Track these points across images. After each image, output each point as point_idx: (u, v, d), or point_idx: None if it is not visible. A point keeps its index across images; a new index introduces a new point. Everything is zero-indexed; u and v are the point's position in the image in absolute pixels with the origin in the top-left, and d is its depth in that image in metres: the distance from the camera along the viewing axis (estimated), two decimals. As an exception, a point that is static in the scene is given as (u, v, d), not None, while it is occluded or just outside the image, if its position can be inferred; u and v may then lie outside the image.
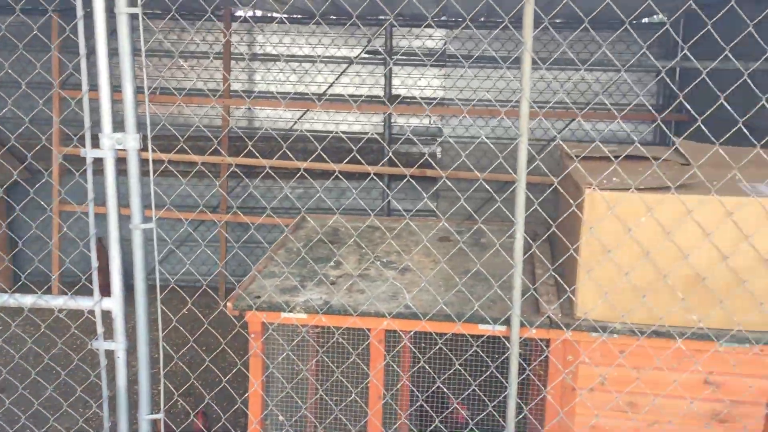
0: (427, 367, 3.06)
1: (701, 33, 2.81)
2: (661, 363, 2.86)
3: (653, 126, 7.71)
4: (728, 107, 2.82)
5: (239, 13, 7.68)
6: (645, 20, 8.19)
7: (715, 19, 2.83)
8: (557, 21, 7.36)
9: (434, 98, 7.83)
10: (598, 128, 7.76)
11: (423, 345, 3.32)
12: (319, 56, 7.78)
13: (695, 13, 6.27)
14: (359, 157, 6.65)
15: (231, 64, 7.79)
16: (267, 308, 3.08)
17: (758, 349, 2.79)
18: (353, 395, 3.03)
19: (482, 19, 7.59)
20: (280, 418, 3.21)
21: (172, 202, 7.69)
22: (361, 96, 7.86)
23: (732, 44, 2.74)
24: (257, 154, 7.06)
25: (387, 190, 7.69)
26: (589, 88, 7.74)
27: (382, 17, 7.66)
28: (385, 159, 7.54)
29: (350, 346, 3.15)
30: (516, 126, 7.42)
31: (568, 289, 2.96)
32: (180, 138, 3.39)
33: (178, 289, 3.34)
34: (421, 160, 5.03)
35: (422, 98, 7.79)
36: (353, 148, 4.92)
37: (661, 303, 2.84)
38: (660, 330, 2.83)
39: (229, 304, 3.07)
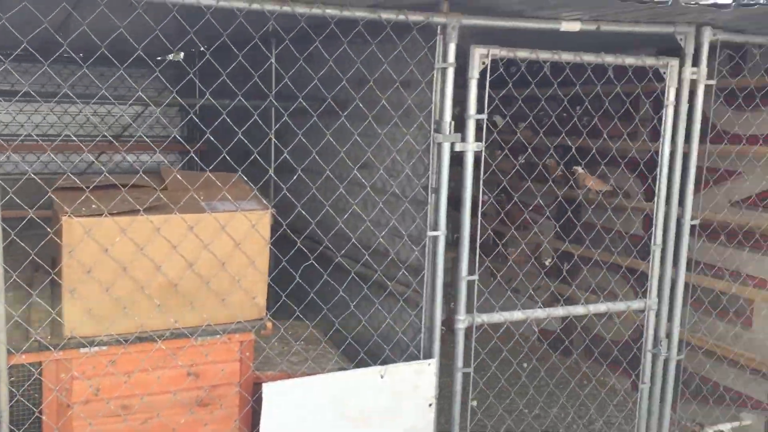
0: None
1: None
2: (146, 365, 3.23)
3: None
4: (208, 138, 3.32)
5: None
6: (170, 57, 8.75)
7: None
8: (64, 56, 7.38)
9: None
10: (129, 159, 8.00)
11: None
12: None
13: (213, 52, 6.97)
14: None
15: None
16: None
17: (226, 338, 3.35)
18: None
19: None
20: None
21: None
22: None
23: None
24: None
25: None
26: (116, 120, 7.95)
27: None
28: None
29: None
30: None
31: (53, 311, 3.14)
32: None
33: None
34: None
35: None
36: None
37: (142, 311, 3.21)
38: (143, 335, 3.20)
39: None
